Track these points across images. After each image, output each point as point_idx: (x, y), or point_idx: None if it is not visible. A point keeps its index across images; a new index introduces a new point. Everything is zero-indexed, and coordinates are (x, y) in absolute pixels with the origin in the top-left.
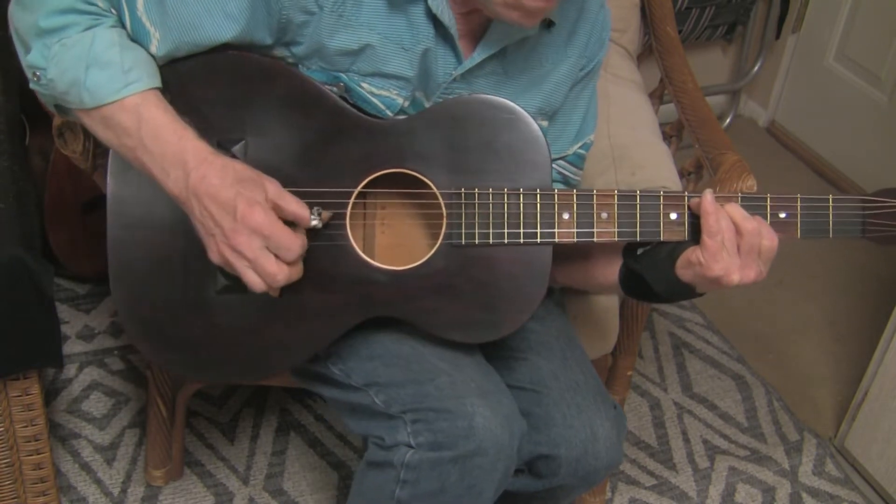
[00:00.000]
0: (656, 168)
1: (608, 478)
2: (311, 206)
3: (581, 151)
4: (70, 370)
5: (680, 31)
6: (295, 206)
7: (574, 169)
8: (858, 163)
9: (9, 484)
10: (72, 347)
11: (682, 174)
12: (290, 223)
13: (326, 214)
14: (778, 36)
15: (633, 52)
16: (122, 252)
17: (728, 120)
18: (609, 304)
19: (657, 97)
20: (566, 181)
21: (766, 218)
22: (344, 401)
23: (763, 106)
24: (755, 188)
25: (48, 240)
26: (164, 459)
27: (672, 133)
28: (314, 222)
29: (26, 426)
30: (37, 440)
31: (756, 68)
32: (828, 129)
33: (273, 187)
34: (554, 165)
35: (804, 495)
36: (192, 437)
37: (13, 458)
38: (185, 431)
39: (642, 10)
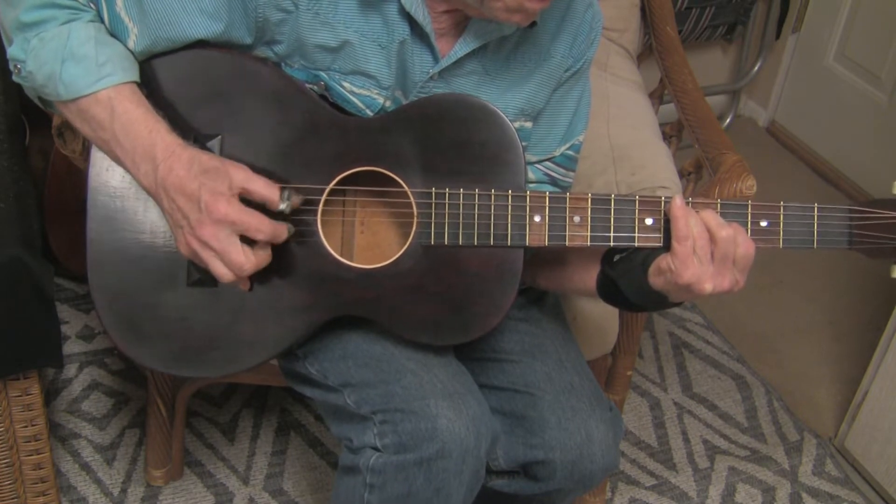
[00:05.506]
0: (656, 168)
1: (608, 478)
2: (283, 190)
3: (570, 153)
4: (70, 370)
5: (680, 31)
6: (263, 188)
7: (562, 170)
8: (858, 163)
9: (9, 484)
10: (72, 347)
11: (682, 174)
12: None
13: (297, 200)
14: (778, 36)
15: (633, 52)
16: (100, 243)
17: (728, 120)
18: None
19: (657, 97)
20: (554, 183)
21: (746, 226)
22: (324, 402)
23: (763, 106)
24: (755, 188)
25: (48, 240)
26: (164, 459)
27: (672, 133)
28: (282, 206)
29: (26, 426)
30: (37, 440)
31: (756, 68)
32: (828, 129)
33: (240, 174)
34: (540, 167)
35: (804, 495)
36: (192, 437)
37: (13, 458)
38: (185, 431)
39: (642, 10)
